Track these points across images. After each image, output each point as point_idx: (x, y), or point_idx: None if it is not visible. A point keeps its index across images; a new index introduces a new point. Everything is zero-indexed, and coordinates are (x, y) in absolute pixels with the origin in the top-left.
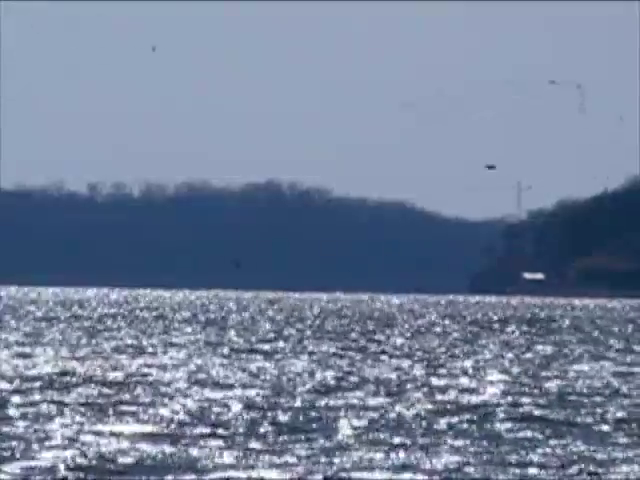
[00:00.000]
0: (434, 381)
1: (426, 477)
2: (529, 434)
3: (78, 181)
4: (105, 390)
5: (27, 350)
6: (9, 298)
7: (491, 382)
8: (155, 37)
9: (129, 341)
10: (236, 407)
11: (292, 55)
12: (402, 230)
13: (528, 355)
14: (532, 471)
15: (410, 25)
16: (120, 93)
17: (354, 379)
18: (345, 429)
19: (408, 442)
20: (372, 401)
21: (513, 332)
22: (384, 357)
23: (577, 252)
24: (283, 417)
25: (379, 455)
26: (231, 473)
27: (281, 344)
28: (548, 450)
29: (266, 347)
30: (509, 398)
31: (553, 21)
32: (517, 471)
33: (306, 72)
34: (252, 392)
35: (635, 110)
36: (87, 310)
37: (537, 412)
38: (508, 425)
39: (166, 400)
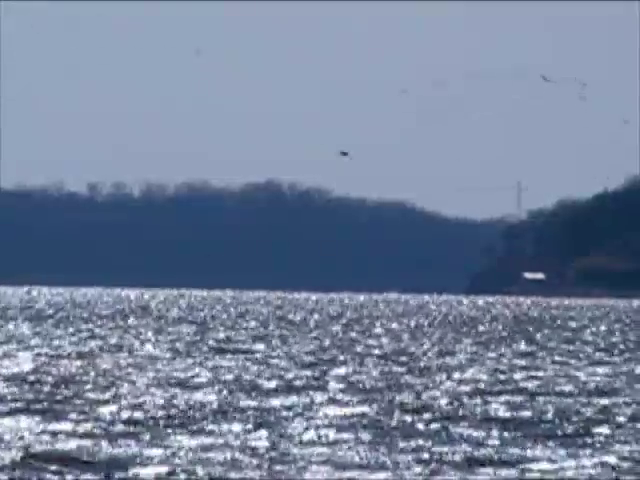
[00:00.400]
0: (409, 380)
1: (391, 476)
2: (497, 434)
3: (78, 181)
4: (72, 388)
5: (9, 349)
6: (3, 298)
7: (465, 381)
8: (154, 37)
9: (113, 340)
10: (204, 406)
11: (292, 55)
12: (402, 230)
13: (508, 354)
14: (497, 471)
15: (410, 25)
16: (120, 93)
17: (329, 378)
18: (310, 430)
19: (377, 441)
20: (343, 399)
21: (498, 331)
22: (365, 357)
23: (577, 252)
24: (249, 416)
25: (346, 454)
26: (193, 471)
27: (266, 344)
28: (515, 450)
29: (248, 347)
30: (482, 398)
31: (553, 21)
32: (482, 470)
33: (306, 72)
34: (223, 391)
35: (635, 110)
36: (79, 310)
37: (507, 412)
38: (477, 425)
39: (130, 399)
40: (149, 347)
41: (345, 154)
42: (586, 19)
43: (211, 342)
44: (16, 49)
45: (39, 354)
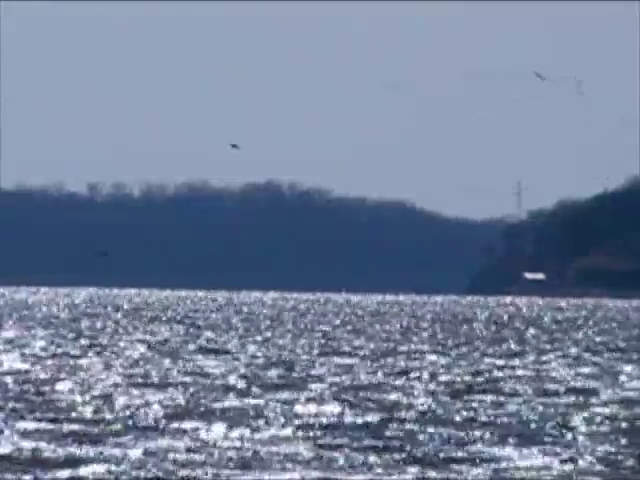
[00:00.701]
0: (393, 379)
1: (372, 477)
2: (478, 434)
3: (78, 181)
4: (55, 389)
5: None
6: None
7: (450, 381)
8: (155, 37)
9: (103, 341)
10: (184, 407)
11: (292, 55)
12: (402, 230)
13: (497, 354)
14: (477, 470)
15: (410, 25)
16: (120, 93)
17: (312, 378)
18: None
19: (358, 441)
20: (325, 399)
21: (490, 331)
22: (351, 356)
23: (577, 252)
24: (229, 416)
25: (326, 454)
26: (173, 472)
27: (254, 344)
28: (495, 450)
29: (235, 347)
30: (466, 397)
31: (553, 21)
32: (462, 469)
33: (306, 72)
34: (205, 391)
35: (635, 110)
36: (72, 310)
37: (489, 412)
38: (459, 425)
39: (111, 399)
40: (137, 347)
41: (235, 146)
42: (586, 19)
43: (199, 342)
44: (16, 49)
45: (25, 354)
